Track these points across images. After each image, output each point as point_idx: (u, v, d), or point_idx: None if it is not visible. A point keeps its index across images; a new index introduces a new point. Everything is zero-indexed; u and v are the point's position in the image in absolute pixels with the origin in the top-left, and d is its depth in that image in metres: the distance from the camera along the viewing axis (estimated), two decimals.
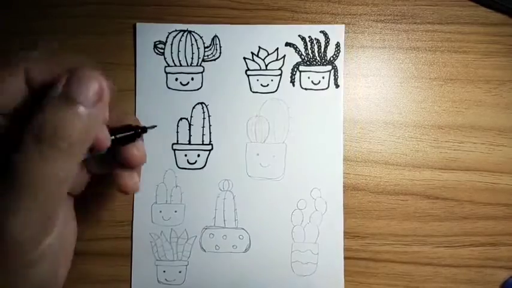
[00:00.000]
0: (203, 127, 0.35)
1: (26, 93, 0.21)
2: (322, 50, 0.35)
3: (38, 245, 0.20)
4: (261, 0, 0.36)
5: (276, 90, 0.35)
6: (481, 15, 0.36)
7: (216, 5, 0.36)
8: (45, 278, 0.22)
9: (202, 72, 0.35)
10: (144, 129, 0.26)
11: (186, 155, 0.35)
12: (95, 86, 0.20)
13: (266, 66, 0.35)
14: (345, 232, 0.35)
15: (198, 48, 0.35)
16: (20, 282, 0.20)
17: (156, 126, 0.28)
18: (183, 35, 0.35)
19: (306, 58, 0.35)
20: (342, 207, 0.35)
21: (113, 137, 0.23)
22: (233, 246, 0.35)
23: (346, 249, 0.35)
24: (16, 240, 0.19)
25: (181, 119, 0.35)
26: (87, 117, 0.19)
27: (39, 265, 0.21)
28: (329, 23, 0.36)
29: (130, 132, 0.24)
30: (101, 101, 0.20)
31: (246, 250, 0.35)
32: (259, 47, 0.35)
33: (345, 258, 0.35)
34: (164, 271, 0.35)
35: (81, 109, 0.19)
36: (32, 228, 0.19)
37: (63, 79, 0.19)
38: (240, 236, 0.35)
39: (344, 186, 0.35)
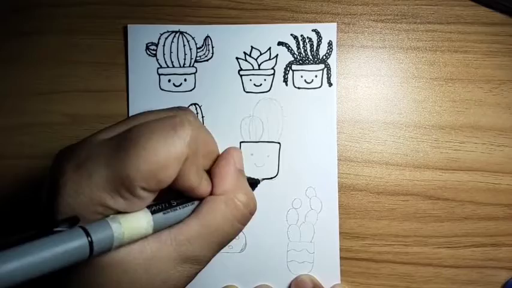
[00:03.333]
0: None
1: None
2: (315, 48, 0.35)
3: None
4: (260, 0, 0.36)
5: (269, 90, 0.35)
6: (482, 15, 0.35)
7: (216, 5, 0.36)
8: None
9: (195, 73, 0.35)
10: (259, 181, 0.29)
11: None
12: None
13: (259, 65, 0.35)
14: (345, 233, 0.35)
15: (190, 49, 0.35)
16: None
17: (264, 179, 0.34)
18: (175, 36, 0.35)
19: (298, 57, 0.35)
20: (337, 206, 0.35)
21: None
22: (229, 246, 0.35)
23: (346, 250, 0.35)
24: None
25: None
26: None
27: None
28: (328, 22, 0.36)
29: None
30: None
31: (241, 250, 0.35)
32: (252, 47, 0.35)
33: (346, 258, 0.35)
34: None
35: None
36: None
37: (233, 154, 0.24)
38: (236, 236, 0.35)
39: (344, 187, 0.35)
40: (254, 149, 0.35)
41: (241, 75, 0.35)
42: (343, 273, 0.35)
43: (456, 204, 0.35)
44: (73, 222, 0.18)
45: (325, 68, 0.35)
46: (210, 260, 0.23)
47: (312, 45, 0.35)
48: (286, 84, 0.35)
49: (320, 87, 0.35)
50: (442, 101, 0.35)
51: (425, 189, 0.35)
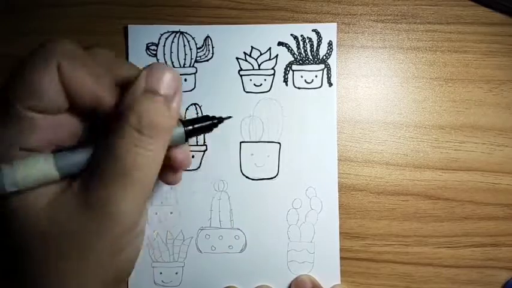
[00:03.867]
0: None
1: (62, 91, 0.20)
2: (315, 48, 0.35)
3: (137, 225, 0.22)
4: (260, 0, 0.36)
5: (269, 90, 0.35)
6: (482, 15, 0.35)
7: (216, 5, 0.36)
8: (131, 260, 0.23)
9: (195, 73, 0.35)
10: (221, 120, 0.26)
11: None
12: (174, 78, 0.21)
13: (259, 66, 0.35)
14: (345, 233, 0.35)
15: (190, 49, 0.35)
16: (112, 263, 0.21)
17: (232, 117, 0.29)
18: (175, 36, 0.35)
19: (298, 57, 0.35)
20: (338, 206, 0.35)
21: (191, 127, 0.24)
22: (229, 246, 0.35)
23: (346, 250, 0.35)
24: (123, 222, 0.20)
25: None
26: (171, 108, 0.21)
27: (131, 247, 0.22)
28: (328, 22, 0.36)
29: (208, 122, 0.25)
30: (179, 91, 0.22)
31: (242, 250, 0.35)
32: (252, 47, 0.35)
33: (346, 259, 0.35)
34: (161, 273, 0.35)
35: (167, 100, 0.21)
36: (136, 210, 0.21)
37: (144, 74, 0.21)
38: (236, 236, 0.35)
39: (344, 187, 0.35)
40: (254, 149, 0.35)
41: (241, 75, 0.35)
42: (343, 273, 0.35)
43: (456, 204, 0.35)
44: None
45: (325, 68, 0.35)
46: (131, 208, 0.20)
47: (312, 45, 0.35)
48: (286, 84, 0.35)
49: (320, 87, 0.35)
50: (442, 101, 0.35)
51: (425, 189, 0.35)
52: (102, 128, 0.21)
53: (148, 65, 0.21)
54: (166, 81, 0.21)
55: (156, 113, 0.20)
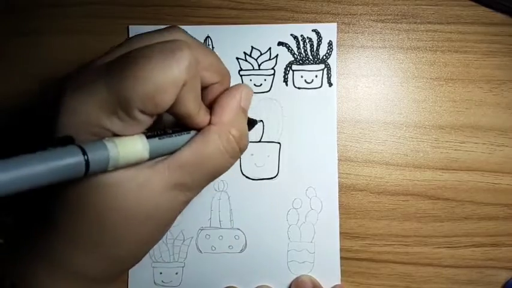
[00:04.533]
0: None
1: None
2: (315, 48, 0.35)
3: None
4: (261, 0, 0.36)
5: (269, 90, 0.35)
6: (482, 15, 0.35)
7: (216, 5, 0.36)
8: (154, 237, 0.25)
9: None
10: (256, 122, 0.30)
11: None
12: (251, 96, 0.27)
13: (259, 66, 0.35)
14: (345, 233, 0.35)
15: None
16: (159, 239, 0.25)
17: (262, 121, 0.34)
18: None
19: (298, 57, 0.35)
20: (338, 206, 0.35)
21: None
22: (229, 246, 0.35)
23: (346, 250, 0.35)
24: (184, 206, 0.24)
25: None
26: None
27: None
28: (328, 22, 0.36)
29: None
30: None
31: (242, 250, 0.35)
32: (252, 47, 0.35)
33: (346, 259, 0.35)
34: (161, 273, 0.35)
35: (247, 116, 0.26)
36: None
37: (238, 90, 0.25)
38: (236, 236, 0.35)
39: (344, 187, 0.35)
40: (254, 149, 0.35)
41: (241, 76, 0.35)
42: (343, 273, 0.35)
43: (456, 204, 0.35)
44: (67, 141, 0.18)
45: (325, 68, 0.35)
46: (199, 190, 0.24)
47: (312, 45, 0.35)
48: (287, 84, 0.35)
49: (320, 87, 0.35)
50: (442, 101, 0.35)
51: (425, 189, 0.35)
52: (181, 125, 0.23)
53: (237, 85, 0.26)
54: (248, 98, 0.26)
55: (246, 130, 0.25)
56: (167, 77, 0.20)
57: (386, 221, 0.35)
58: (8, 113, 0.36)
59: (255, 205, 0.35)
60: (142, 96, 0.19)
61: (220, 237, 0.35)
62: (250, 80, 0.35)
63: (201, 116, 0.23)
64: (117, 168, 0.20)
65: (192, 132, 0.23)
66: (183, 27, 0.35)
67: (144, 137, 0.21)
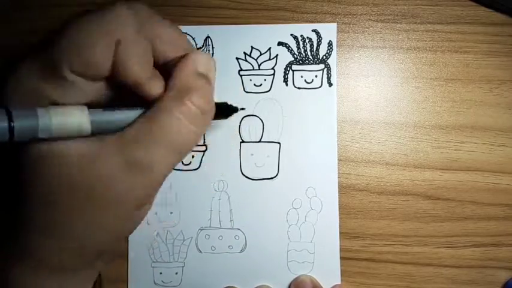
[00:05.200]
0: None
1: (111, 67, 0.20)
2: (315, 48, 0.35)
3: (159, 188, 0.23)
4: (261, 0, 0.36)
5: (269, 90, 0.35)
6: (482, 15, 0.35)
7: (216, 5, 0.36)
8: (140, 220, 0.24)
9: None
10: (236, 110, 0.29)
11: None
12: (213, 63, 0.24)
13: (259, 66, 0.35)
14: (345, 233, 0.35)
15: None
16: (131, 218, 0.23)
17: (244, 108, 0.34)
18: None
19: (298, 57, 0.35)
20: (338, 206, 0.35)
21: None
22: (229, 246, 0.35)
23: (346, 250, 0.35)
24: (156, 183, 0.22)
25: None
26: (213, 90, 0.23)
27: (147, 207, 0.24)
28: (328, 22, 0.36)
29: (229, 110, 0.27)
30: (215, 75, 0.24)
31: (242, 250, 0.35)
32: (252, 47, 0.35)
33: (346, 259, 0.35)
34: (161, 273, 0.35)
35: (212, 84, 0.23)
36: (167, 175, 0.22)
37: (191, 55, 0.22)
38: (236, 237, 0.35)
39: (345, 187, 0.35)
40: (254, 149, 0.35)
41: (241, 76, 0.35)
42: (343, 273, 0.35)
43: (456, 204, 0.35)
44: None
45: (325, 68, 0.35)
46: (166, 167, 0.21)
47: (312, 45, 0.35)
48: (286, 84, 0.35)
49: (320, 87, 0.35)
50: (442, 101, 0.35)
51: (425, 189, 0.35)
52: (135, 98, 0.21)
53: (197, 51, 0.24)
54: (206, 63, 0.23)
55: (211, 95, 0.23)
56: (93, 30, 0.19)
57: (386, 221, 0.35)
58: None
59: (255, 205, 0.35)
60: (68, 52, 0.19)
61: (220, 237, 0.35)
62: (250, 80, 0.35)
63: (152, 84, 0.21)
64: (53, 138, 0.19)
65: (145, 109, 0.21)
66: (183, 27, 0.35)
67: (85, 108, 0.20)
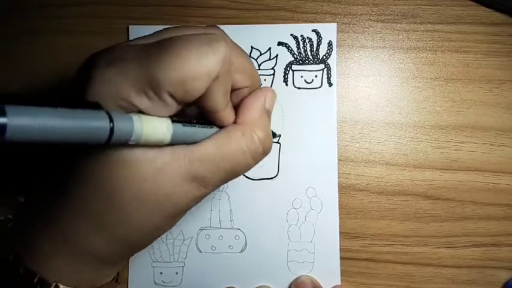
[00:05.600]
0: None
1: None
2: (315, 48, 0.35)
3: None
4: (261, 0, 0.36)
5: None
6: (482, 15, 0.35)
7: (216, 5, 0.36)
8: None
9: None
10: (275, 136, 0.30)
11: None
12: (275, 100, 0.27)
13: (259, 66, 0.35)
14: (345, 233, 0.35)
15: None
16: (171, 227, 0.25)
17: (280, 135, 0.35)
18: None
19: (298, 57, 0.35)
20: (338, 206, 0.35)
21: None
22: (229, 246, 0.35)
23: (346, 250, 0.35)
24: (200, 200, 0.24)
25: None
26: None
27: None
28: (328, 22, 0.36)
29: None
30: None
31: (242, 250, 0.35)
32: (252, 47, 0.35)
33: (346, 258, 0.35)
34: (161, 272, 0.35)
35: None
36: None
37: (263, 92, 0.25)
38: (236, 236, 0.35)
39: (345, 187, 0.35)
40: None
41: None
42: (343, 273, 0.35)
43: (456, 204, 0.35)
44: (96, 106, 0.18)
45: (325, 68, 0.35)
46: (216, 186, 0.23)
47: (312, 45, 0.35)
48: (286, 84, 0.35)
49: (320, 87, 0.35)
50: (442, 101, 0.35)
51: (425, 189, 0.35)
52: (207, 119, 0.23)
53: (267, 87, 0.26)
54: (273, 101, 0.26)
55: (270, 132, 0.25)
56: (201, 65, 0.20)
57: (386, 221, 0.35)
58: None
59: (255, 205, 0.35)
60: (174, 80, 0.19)
61: (220, 237, 0.35)
62: None
63: (227, 113, 0.23)
64: (138, 144, 0.20)
65: (216, 128, 0.23)
66: None
67: (169, 120, 0.21)
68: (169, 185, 0.21)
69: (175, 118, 0.21)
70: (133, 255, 0.26)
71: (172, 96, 0.20)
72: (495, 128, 0.35)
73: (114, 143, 0.18)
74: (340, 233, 0.35)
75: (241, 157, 0.23)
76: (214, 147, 0.22)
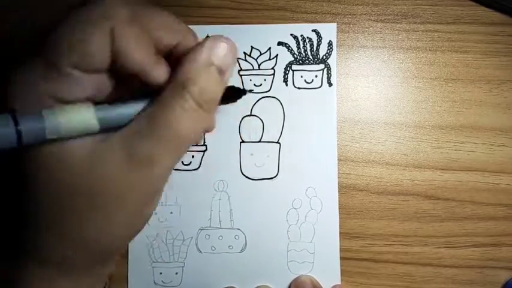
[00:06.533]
0: None
1: (110, 56, 0.20)
2: (315, 48, 0.35)
3: (164, 185, 0.23)
4: (261, 0, 0.36)
5: (269, 90, 0.35)
6: (482, 15, 0.35)
7: (216, 5, 0.36)
8: (148, 218, 0.23)
9: None
10: (244, 92, 0.26)
11: None
12: (230, 50, 0.23)
13: (259, 65, 0.35)
14: (345, 233, 0.35)
15: None
16: (139, 218, 0.23)
17: (252, 90, 0.33)
18: None
19: (298, 57, 0.35)
20: (337, 206, 0.35)
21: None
22: (229, 246, 0.35)
23: (346, 250, 0.35)
24: (161, 181, 0.21)
25: None
26: (223, 81, 0.22)
27: (154, 205, 0.23)
28: (328, 22, 0.36)
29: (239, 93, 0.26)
30: (234, 62, 0.23)
31: (242, 250, 0.35)
32: (252, 47, 0.35)
33: (346, 259, 0.35)
34: (161, 273, 0.35)
35: (222, 73, 0.22)
36: (171, 172, 0.22)
37: (205, 46, 0.22)
38: (236, 236, 0.35)
39: (345, 187, 0.35)
40: (254, 149, 0.35)
41: (241, 75, 0.35)
42: (343, 273, 0.35)
43: (456, 204, 0.35)
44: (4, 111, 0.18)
45: (325, 68, 0.35)
46: (170, 163, 0.21)
47: (312, 45, 0.35)
48: (286, 84, 0.35)
49: (320, 87, 0.35)
50: (442, 101, 0.35)
51: (425, 189, 0.35)
52: (142, 91, 0.21)
53: (206, 38, 0.22)
54: (223, 54, 0.22)
55: (215, 88, 0.22)
56: (85, 22, 0.19)
57: (386, 221, 0.35)
58: None
59: (255, 205, 0.35)
60: (64, 47, 0.19)
61: (220, 237, 0.35)
62: (250, 80, 0.35)
63: (156, 71, 0.20)
64: (62, 137, 0.19)
65: (149, 100, 0.21)
66: None
67: (90, 104, 0.20)
68: (112, 172, 0.19)
69: (101, 102, 0.20)
70: (114, 260, 0.24)
71: (75, 67, 0.19)
72: (495, 128, 0.35)
73: (29, 143, 0.17)
74: (340, 233, 0.35)
75: (179, 122, 0.20)
76: (147, 119, 0.20)
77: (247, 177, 0.35)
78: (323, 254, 0.35)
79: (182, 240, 0.35)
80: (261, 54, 0.35)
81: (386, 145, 0.35)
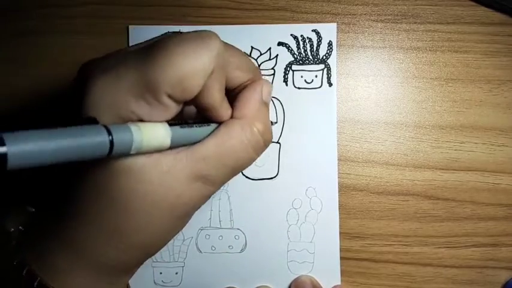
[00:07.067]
0: None
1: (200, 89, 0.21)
2: (315, 48, 0.35)
3: None
4: (261, 0, 0.36)
5: None
6: (482, 15, 0.35)
7: (216, 5, 0.36)
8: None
9: None
10: (272, 123, 0.29)
11: None
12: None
13: (259, 66, 0.35)
14: (345, 233, 0.35)
15: None
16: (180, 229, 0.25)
17: (276, 122, 0.35)
18: None
19: (298, 57, 0.35)
20: (338, 206, 0.35)
21: None
22: (229, 246, 0.35)
23: (346, 250, 0.35)
24: (208, 198, 0.25)
25: None
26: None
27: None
28: (328, 22, 0.36)
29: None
30: None
31: (242, 250, 0.35)
32: (252, 47, 0.35)
33: (346, 259, 0.35)
34: (161, 273, 0.35)
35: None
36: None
37: (262, 85, 0.25)
38: (236, 236, 0.35)
39: (345, 187, 0.35)
40: None
41: None
42: (343, 273, 0.35)
43: (456, 204, 0.35)
44: (92, 121, 0.18)
45: (325, 68, 0.35)
46: (222, 183, 0.24)
47: (312, 46, 0.35)
48: (286, 84, 0.35)
49: (320, 87, 0.35)
50: (442, 101, 0.35)
51: (425, 189, 0.35)
52: (203, 117, 0.23)
53: (262, 79, 0.26)
54: (269, 92, 0.26)
55: (270, 124, 0.25)
56: (197, 63, 0.20)
57: (386, 221, 0.35)
58: (8, 114, 0.36)
59: (255, 205, 0.35)
60: (171, 80, 0.19)
61: (220, 237, 0.35)
62: None
63: (223, 108, 0.23)
64: (139, 152, 0.20)
65: (213, 125, 0.23)
66: (183, 27, 0.35)
67: (166, 125, 0.21)
68: (176, 187, 0.21)
69: (172, 122, 0.21)
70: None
71: (170, 97, 0.20)
72: (495, 128, 0.35)
73: (116, 155, 0.18)
74: (340, 233, 0.35)
75: (243, 151, 0.23)
76: (215, 145, 0.22)
77: (247, 177, 0.35)
78: (323, 254, 0.35)
79: (182, 240, 0.35)
80: (261, 54, 0.35)
81: (386, 145, 0.35)
